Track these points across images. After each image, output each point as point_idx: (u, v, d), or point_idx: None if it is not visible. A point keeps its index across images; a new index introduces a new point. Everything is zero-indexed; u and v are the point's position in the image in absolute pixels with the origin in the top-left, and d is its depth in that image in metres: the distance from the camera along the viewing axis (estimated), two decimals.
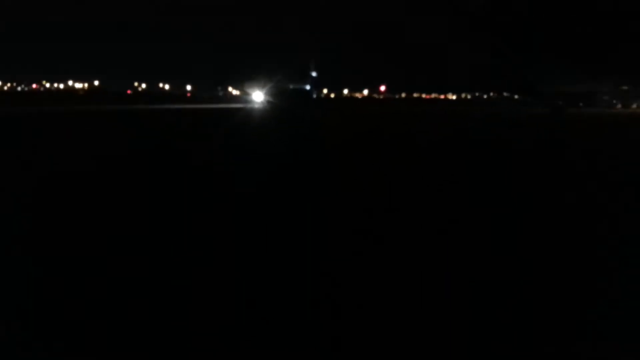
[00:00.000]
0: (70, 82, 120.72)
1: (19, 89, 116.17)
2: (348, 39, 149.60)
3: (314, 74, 71.51)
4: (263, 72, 65.68)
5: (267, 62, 70.50)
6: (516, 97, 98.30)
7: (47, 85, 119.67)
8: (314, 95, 71.92)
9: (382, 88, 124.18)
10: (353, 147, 15.07)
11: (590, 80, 77.31)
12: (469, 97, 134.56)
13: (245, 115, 34.74)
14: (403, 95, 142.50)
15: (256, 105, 57.56)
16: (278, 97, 60.86)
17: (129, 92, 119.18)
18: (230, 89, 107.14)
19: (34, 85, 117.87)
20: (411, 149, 15.03)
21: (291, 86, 66.37)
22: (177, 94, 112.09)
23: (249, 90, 67.77)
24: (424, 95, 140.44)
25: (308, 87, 68.83)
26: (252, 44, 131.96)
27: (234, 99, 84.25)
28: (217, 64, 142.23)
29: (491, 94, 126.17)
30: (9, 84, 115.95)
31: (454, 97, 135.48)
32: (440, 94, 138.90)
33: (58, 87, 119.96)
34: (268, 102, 61.17)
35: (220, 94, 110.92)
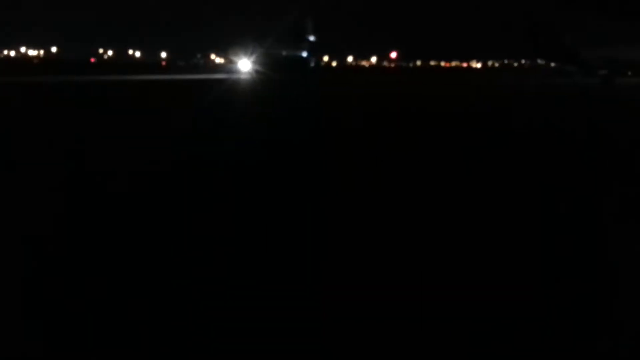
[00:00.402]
0: (22, 49, 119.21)
1: None
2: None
3: (311, 38, 69.51)
4: (251, 36, 63.56)
5: (256, 24, 68.14)
6: (552, 64, 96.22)
7: None
8: (312, 64, 70.03)
9: (393, 55, 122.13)
10: (366, 142, 12.21)
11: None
12: (496, 65, 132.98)
13: (226, 89, 32.78)
14: (418, 63, 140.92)
15: (242, 76, 55.56)
16: (268, 65, 58.64)
17: (92, 60, 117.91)
18: (213, 56, 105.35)
19: None
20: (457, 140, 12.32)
21: (284, 53, 64.33)
22: (149, 63, 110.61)
23: (234, 58, 65.68)
24: (442, 63, 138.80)
25: (305, 54, 66.82)
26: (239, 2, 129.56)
27: (217, 68, 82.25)
28: (196, 25, 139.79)
29: (523, 61, 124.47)
30: None
31: (479, 65, 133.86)
32: (462, 61, 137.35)
33: (8, 55, 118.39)
34: (257, 71, 59.13)
35: (201, 62, 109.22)
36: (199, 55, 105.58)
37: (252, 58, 62.03)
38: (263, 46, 62.03)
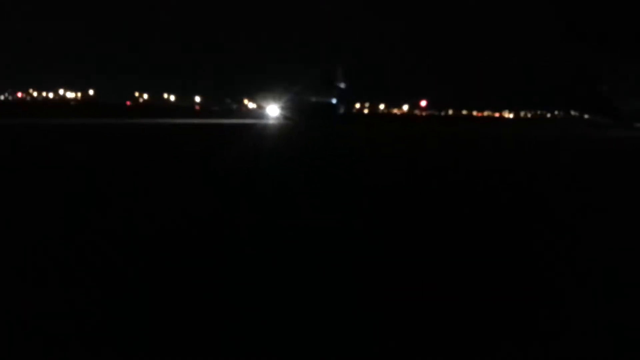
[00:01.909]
0: (61, 92, 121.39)
1: (1, 97, 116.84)
2: (385, 45, 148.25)
3: (342, 85, 69.35)
4: (281, 82, 63.58)
5: (288, 70, 67.96)
6: (586, 116, 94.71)
7: (35, 94, 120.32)
8: (341, 110, 69.65)
9: (423, 103, 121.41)
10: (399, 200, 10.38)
11: None
12: (528, 115, 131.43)
13: (247, 135, 32.17)
14: (450, 112, 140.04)
15: (270, 121, 55.25)
16: (296, 111, 58.52)
17: (128, 103, 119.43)
18: (245, 101, 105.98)
19: (19, 94, 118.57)
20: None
21: (313, 99, 64.15)
22: (183, 107, 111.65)
23: (263, 103, 65.75)
24: (474, 113, 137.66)
25: (334, 101, 66.56)
26: (272, 49, 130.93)
27: (248, 112, 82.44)
28: (230, 70, 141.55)
29: (556, 112, 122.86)
30: None
31: (511, 116, 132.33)
32: (494, 111, 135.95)
33: (47, 97, 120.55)
34: (285, 117, 58.96)
35: (234, 106, 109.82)
36: (228, 100, 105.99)
37: (281, 104, 61.99)
38: (292, 92, 62.05)
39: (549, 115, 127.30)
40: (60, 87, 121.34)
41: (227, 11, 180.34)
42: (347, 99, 72.08)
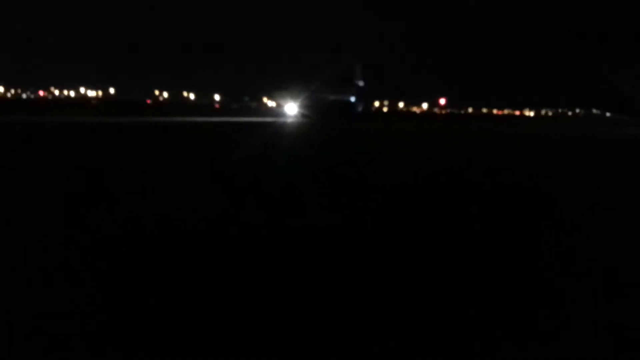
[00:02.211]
0: (82, 90, 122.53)
1: (23, 96, 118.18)
2: (405, 41, 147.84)
3: (360, 83, 69.22)
4: (300, 80, 63.54)
5: (305, 69, 68.02)
6: (608, 114, 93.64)
7: (57, 92, 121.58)
8: (360, 108, 69.45)
9: (442, 101, 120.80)
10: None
11: None
12: (549, 113, 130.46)
13: (262, 133, 32.15)
14: (470, 110, 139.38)
15: (288, 119, 55.28)
16: (315, 109, 58.47)
17: (148, 101, 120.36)
18: (264, 99, 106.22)
19: (41, 93, 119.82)
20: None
21: (331, 97, 64.05)
22: (203, 105, 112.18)
23: (281, 101, 65.80)
24: (495, 111, 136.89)
25: (352, 99, 66.43)
26: (290, 47, 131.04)
27: (267, 110, 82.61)
28: (250, 67, 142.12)
29: (577, 110, 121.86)
30: (12, 91, 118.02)
31: (532, 114, 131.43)
32: (514, 109, 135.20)
33: (68, 95, 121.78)
34: (303, 115, 58.98)
35: (253, 104, 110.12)
36: (246, 98, 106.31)
37: (299, 102, 62.06)
38: (310, 90, 62.06)
39: (570, 113, 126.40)
40: (81, 85, 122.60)
41: (248, 11, 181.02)
42: (365, 97, 72.00)
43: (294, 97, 62.82)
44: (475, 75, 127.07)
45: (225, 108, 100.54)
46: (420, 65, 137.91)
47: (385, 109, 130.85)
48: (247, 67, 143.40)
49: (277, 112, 64.41)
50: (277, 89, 67.07)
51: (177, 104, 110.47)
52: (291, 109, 62.59)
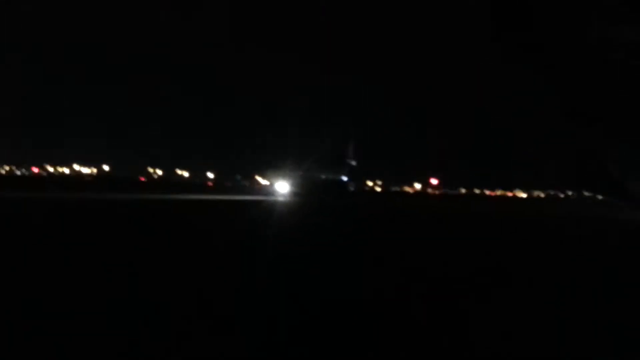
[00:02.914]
0: (76, 167, 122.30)
1: (17, 173, 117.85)
2: (399, 121, 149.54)
3: (353, 162, 69.08)
4: (291, 158, 63.23)
5: (297, 147, 67.85)
6: (600, 197, 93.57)
7: (51, 169, 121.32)
8: (351, 188, 69.13)
9: (434, 181, 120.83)
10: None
11: None
12: (541, 195, 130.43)
13: (249, 213, 31.23)
14: (463, 190, 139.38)
15: (279, 198, 54.56)
16: (305, 188, 58.02)
17: (142, 179, 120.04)
18: (257, 177, 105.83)
19: (35, 169, 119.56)
20: None
21: (323, 176, 63.77)
22: (196, 183, 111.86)
23: (272, 180, 65.22)
24: (487, 192, 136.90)
25: (344, 178, 66.18)
26: (283, 123, 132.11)
27: (259, 189, 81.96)
28: (240, 147, 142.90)
29: (569, 192, 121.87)
30: (6, 167, 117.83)
31: (524, 195, 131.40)
32: (506, 190, 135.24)
33: (63, 172, 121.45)
34: (294, 193, 58.35)
35: (246, 183, 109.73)
36: (238, 177, 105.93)
37: (290, 180, 61.54)
38: (301, 169, 61.76)
39: (561, 195, 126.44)
40: (75, 162, 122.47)
41: (240, 89, 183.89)
42: (357, 175, 71.75)
43: (285, 175, 62.31)
44: (468, 156, 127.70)
45: (218, 186, 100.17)
46: (413, 145, 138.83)
47: (378, 189, 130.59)
48: (240, 145, 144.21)
49: (268, 191, 63.61)
50: (269, 167, 66.68)
51: (170, 182, 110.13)
52: (282, 187, 61.93)
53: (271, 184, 65.59)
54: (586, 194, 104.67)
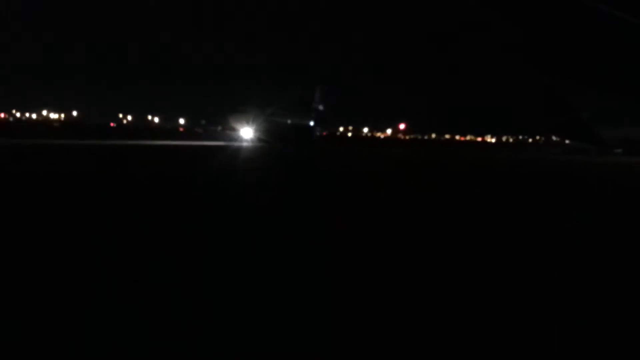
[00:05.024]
0: (44, 112, 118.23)
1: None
2: (369, 66, 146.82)
3: (320, 107, 66.58)
4: (257, 103, 60.31)
5: (265, 91, 64.93)
6: (567, 141, 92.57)
7: (18, 115, 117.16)
8: (317, 133, 66.69)
9: (402, 126, 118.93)
10: None
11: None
12: (510, 140, 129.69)
13: (210, 157, 29.38)
14: (433, 135, 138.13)
15: (243, 144, 52.14)
16: (270, 133, 55.45)
17: (112, 124, 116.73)
18: (227, 122, 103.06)
19: (1, 115, 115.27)
20: None
21: (289, 121, 61.13)
22: (168, 129, 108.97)
23: (236, 125, 62.33)
24: (457, 137, 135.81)
25: (311, 123, 63.62)
26: (254, 68, 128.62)
27: (229, 135, 79.35)
28: (211, 92, 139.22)
29: (537, 137, 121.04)
30: None
31: (493, 140, 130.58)
32: (476, 135, 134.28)
33: (30, 118, 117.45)
34: (258, 139, 55.80)
35: (219, 128, 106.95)
36: (203, 122, 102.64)
37: (254, 125, 58.89)
38: (268, 114, 59.08)
39: (530, 140, 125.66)
40: (44, 108, 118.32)
41: (208, 33, 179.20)
42: (324, 121, 69.13)
43: (250, 120, 59.59)
44: (439, 102, 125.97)
45: (189, 132, 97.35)
46: (382, 89, 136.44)
47: (349, 134, 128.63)
48: (208, 91, 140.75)
49: (232, 137, 60.88)
50: (235, 112, 63.77)
51: (141, 128, 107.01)
52: (246, 133, 59.29)
53: (236, 130, 62.67)
54: (555, 138, 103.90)
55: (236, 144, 50.59)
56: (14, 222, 8.58)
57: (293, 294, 5.40)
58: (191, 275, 5.92)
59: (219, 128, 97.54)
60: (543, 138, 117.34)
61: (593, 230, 9.59)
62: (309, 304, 5.14)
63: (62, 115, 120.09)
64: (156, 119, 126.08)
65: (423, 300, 5.30)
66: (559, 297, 5.52)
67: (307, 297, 5.35)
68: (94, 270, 5.96)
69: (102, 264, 6.17)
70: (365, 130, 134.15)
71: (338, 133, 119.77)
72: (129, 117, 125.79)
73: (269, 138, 54.93)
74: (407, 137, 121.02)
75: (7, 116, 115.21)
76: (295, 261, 6.63)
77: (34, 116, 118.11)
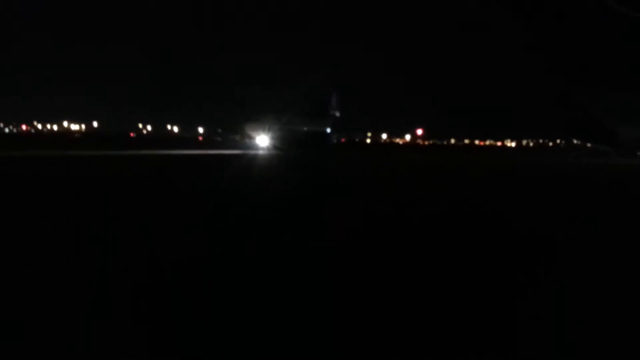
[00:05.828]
0: (65, 124, 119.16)
1: (6, 130, 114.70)
2: (389, 73, 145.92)
3: (337, 113, 66.02)
4: (273, 110, 59.90)
5: (281, 99, 64.46)
6: (589, 145, 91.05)
7: (39, 126, 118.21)
8: (334, 140, 66.17)
9: (419, 132, 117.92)
10: None
11: None
12: (530, 144, 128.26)
13: (226, 167, 28.96)
14: (452, 141, 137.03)
15: (260, 152, 51.72)
16: (286, 141, 54.98)
17: (131, 134, 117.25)
18: (241, 131, 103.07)
19: (24, 127, 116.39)
20: None
21: (305, 128, 60.68)
22: (186, 138, 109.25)
23: (252, 133, 61.92)
24: (477, 142, 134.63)
25: (328, 130, 63.14)
26: (270, 80, 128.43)
27: (246, 143, 79.10)
28: (228, 100, 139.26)
29: (558, 140, 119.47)
30: None
31: (513, 144, 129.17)
32: (496, 140, 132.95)
33: (51, 129, 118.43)
34: (275, 147, 55.33)
35: (236, 137, 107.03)
36: (219, 130, 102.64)
37: (270, 133, 58.46)
38: (281, 121, 58.65)
39: (550, 143, 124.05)
40: (64, 119, 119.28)
41: (224, 41, 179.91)
42: (342, 127, 68.61)
43: (266, 128, 59.17)
44: (457, 106, 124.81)
45: (209, 141, 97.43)
46: (400, 95, 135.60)
47: (368, 140, 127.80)
48: (225, 99, 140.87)
49: (249, 145, 60.45)
50: (251, 120, 63.32)
51: (160, 137, 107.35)
52: (262, 141, 58.88)
53: (252, 138, 62.26)
54: (576, 141, 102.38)
55: (253, 151, 50.18)
56: (40, 230, 8.41)
57: (300, 298, 5.32)
58: (208, 279, 5.88)
59: (237, 136, 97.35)
60: (564, 141, 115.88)
61: (604, 236, 9.06)
62: (318, 307, 5.05)
63: (83, 126, 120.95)
64: (175, 129, 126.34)
65: (436, 303, 5.20)
66: (571, 303, 5.31)
67: (314, 300, 5.27)
68: (114, 274, 5.96)
69: (123, 270, 6.15)
70: (384, 136, 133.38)
71: (364, 140, 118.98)
72: (149, 127, 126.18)
73: (285, 146, 54.49)
74: (426, 143, 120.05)
75: (29, 128, 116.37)
76: (304, 265, 6.57)
77: (54, 127, 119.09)
